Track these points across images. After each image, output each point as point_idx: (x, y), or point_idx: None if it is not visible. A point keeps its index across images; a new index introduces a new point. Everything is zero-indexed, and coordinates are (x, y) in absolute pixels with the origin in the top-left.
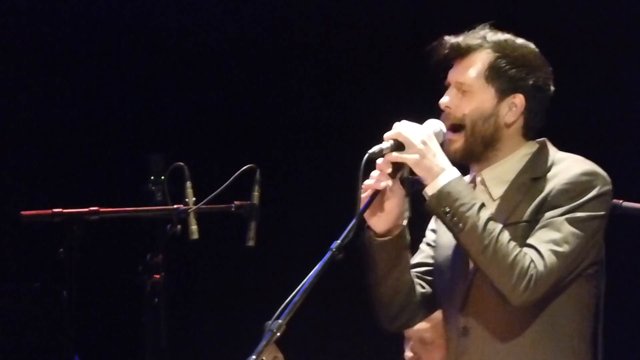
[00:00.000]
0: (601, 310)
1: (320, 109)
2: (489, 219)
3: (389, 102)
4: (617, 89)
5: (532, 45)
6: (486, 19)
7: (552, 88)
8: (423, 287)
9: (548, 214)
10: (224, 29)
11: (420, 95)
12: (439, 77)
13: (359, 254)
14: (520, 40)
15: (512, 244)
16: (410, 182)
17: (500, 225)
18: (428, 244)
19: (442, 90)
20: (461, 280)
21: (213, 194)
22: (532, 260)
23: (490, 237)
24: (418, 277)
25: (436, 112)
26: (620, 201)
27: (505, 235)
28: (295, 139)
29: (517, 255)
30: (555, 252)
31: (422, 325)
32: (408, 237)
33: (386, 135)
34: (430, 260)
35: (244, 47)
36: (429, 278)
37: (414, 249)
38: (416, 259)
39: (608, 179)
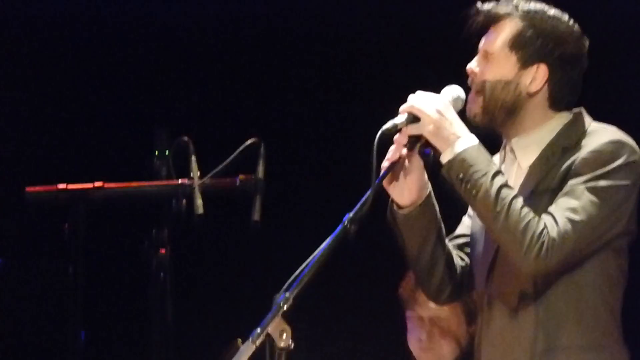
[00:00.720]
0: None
1: (328, 80)
2: (502, 186)
3: (404, 72)
4: None
5: (565, 17)
6: None
7: (585, 62)
8: (462, 260)
9: (571, 182)
10: (229, 1)
11: (437, 67)
12: (471, 44)
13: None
14: (553, 11)
15: (526, 210)
16: (422, 154)
17: (514, 192)
18: (469, 215)
19: (466, 59)
20: (489, 250)
21: (217, 168)
22: (545, 227)
23: (503, 203)
24: (458, 248)
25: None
26: None
27: (519, 202)
28: (302, 112)
29: (530, 221)
30: (571, 220)
31: (434, 305)
32: (435, 207)
33: (401, 108)
34: (469, 232)
35: (250, 19)
36: (468, 250)
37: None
38: (457, 231)
39: (637, 149)
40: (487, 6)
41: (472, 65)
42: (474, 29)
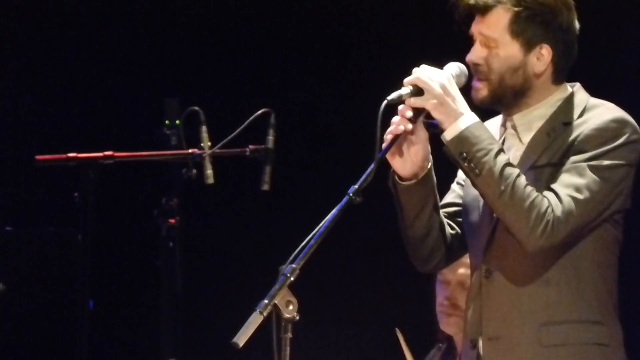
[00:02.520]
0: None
1: (337, 51)
2: (506, 164)
3: (410, 46)
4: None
5: None
6: None
7: (577, 25)
8: (453, 229)
9: (573, 159)
10: None
11: (442, 43)
12: (461, 32)
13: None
14: None
15: (529, 188)
16: (428, 125)
17: (517, 170)
18: (458, 183)
19: (463, 36)
20: (486, 222)
21: (228, 138)
22: (549, 205)
23: (507, 182)
24: (448, 217)
25: (456, 58)
26: None
27: (522, 180)
28: (311, 83)
29: (534, 199)
30: (574, 198)
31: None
32: (434, 179)
33: (405, 80)
34: (459, 200)
35: None
36: (459, 219)
37: (440, 191)
38: (447, 199)
39: (637, 127)
40: None
41: (473, 57)
42: (461, 19)
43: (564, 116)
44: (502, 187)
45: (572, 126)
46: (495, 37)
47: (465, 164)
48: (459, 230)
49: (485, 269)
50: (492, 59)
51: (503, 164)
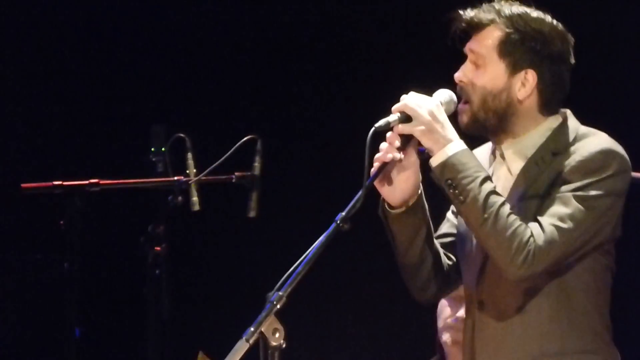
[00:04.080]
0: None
1: (323, 79)
2: (490, 192)
3: (396, 73)
4: None
5: (548, 18)
6: None
7: (572, 59)
8: (449, 258)
9: (559, 189)
10: (227, 2)
11: (430, 70)
12: (456, 50)
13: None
14: (535, 13)
15: (513, 217)
16: (418, 152)
17: (502, 199)
18: (453, 212)
19: (457, 60)
20: (478, 252)
21: (214, 165)
22: (532, 234)
23: (490, 210)
24: (443, 247)
25: (447, 85)
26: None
27: (506, 209)
28: (297, 110)
29: (516, 228)
30: (558, 228)
31: None
32: (425, 205)
33: (394, 107)
34: (454, 230)
35: (247, 18)
36: (454, 249)
37: (434, 217)
38: (442, 229)
39: (626, 158)
40: (469, 13)
41: (460, 75)
42: (457, 36)
43: (553, 146)
44: (485, 215)
45: (561, 156)
46: (483, 53)
47: (451, 191)
48: (455, 261)
49: (478, 300)
50: (477, 78)
51: (487, 192)
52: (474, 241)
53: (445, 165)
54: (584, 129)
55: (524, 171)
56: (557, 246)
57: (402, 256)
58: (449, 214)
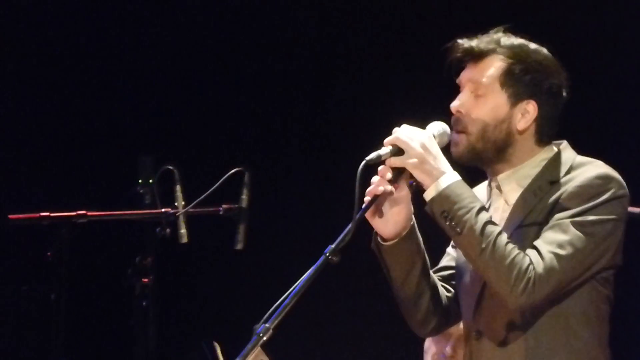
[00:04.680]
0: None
1: (313, 111)
2: (487, 222)
3: (387, 105)
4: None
5: (545, 50)
6: (495, 21)
7: (566, 93)
8: (448, 291)
9: (557, 216)
10: (214, 32)
11: (423, 101)
12: (450, 79)
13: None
14: (533, 46)
15: (510, 246)
16: (410, 184)
17: (498, 228)
18: (453, 247)
19: (451, 92)
20: (475, 283)
21: (201, 197)
22: (530, 262)
23: (488, 240)
24: (443, 281)
25: (440, 116)
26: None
27: (504, 238)
28: (286, 142)
29: (515, 257)
30: (557, 255)
31: None
32: (418, 237)
33: (386, 140)
34: (453, 263)
35: (234, 50)
36: (454, 282)
37: (430, 250)
38: (442, 262)
39: (623, 183)
40: (468, 42)
41: (458, 105)
42: (454, 65)
43: (550, 175)
44: (483, 245)
45: (559, 184)
46: (485, 83)
47: (447, 223)
48: (454, 293)
49: (475, 330)
50: (476, 108)
51: (484, 222)
52: (471, 272)
53: (440, 197)
54: (580, 158)
55: (521, 201)
56: (557, 273)
57: (398, 290)
58: (449, 248)
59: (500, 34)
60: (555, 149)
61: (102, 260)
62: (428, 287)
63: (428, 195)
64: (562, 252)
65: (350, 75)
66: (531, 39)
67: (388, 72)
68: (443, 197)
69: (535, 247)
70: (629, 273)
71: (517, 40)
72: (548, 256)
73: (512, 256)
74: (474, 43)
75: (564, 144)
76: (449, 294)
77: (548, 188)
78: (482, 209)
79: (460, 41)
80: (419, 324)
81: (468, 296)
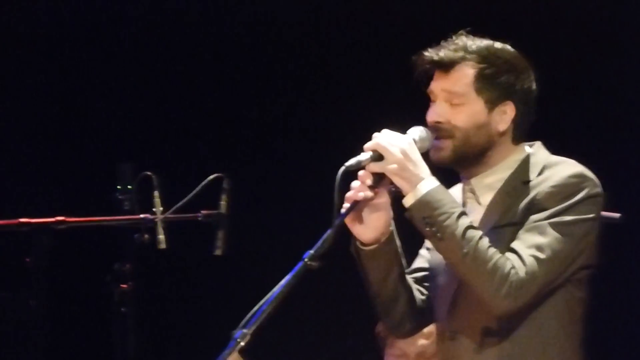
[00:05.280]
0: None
1: (293, 116)
2: (468, 227)
3: (367, 110)
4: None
5: (510, 48)
6: (461, 21)
7: (536, 88)
8: (422, 294)
9: (534, 217)
10: (193, 39)
11: (403, 108)
12: (421, 90)
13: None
14: (498, 45)
15: (492, 250)
16: (390, 190)
17: (480, 232)
18: (427, 248)
19: (426, 99)
20: (450, 284)
21: (180, 203)
22: (513, 266)
23: (470, 244)
24: (417, 282)
25: (421, 121)
26: None
27: (485, 242)
28: (266, 148)
29: (497, 261)
30: (537, 258)
31: (422, 341)
32: (397, 242)
33: (365, 146)
34: (427, 265)
35: (213, 56)
36: (427, 284)
37: (408, 253)
38: (415, 264)
39: (597, 182)
40: (436, 53)
41: (435, 116)
42: (422, 76)
43: (523, 175)
44: (465, 250)
45: (533, 184)
46: (460, 92)
47: (428, 228)
48: (428, 295)
49: (450, 331)
50: (456, 116)
51: (465, 226)
52: (445, 273)
53: (420, 202)
54: (553, 157)
55: (495, 202)
56: (539, 277)
57: (375, 293)
58: (422, 250)
59: (464, 39)
60: (528, 149)
61: (81, 266)
62: (404, 291)
63: (408, 202)
64: (542, 255)
65: (330, 81)
66: (493, 38)
67: (368, 77)
68: (423, 203)
69: (515, 251)
70: (607, 277)
71: (483, 42)
72: (529, 260)
73: (493, 260)
74: (442, 53)
75: (537, 144)
76: (422, 297)
77: (522, 188)
78: (463, 214)
79: (427, 53)
80: (395, 326)
81: (442, 297)
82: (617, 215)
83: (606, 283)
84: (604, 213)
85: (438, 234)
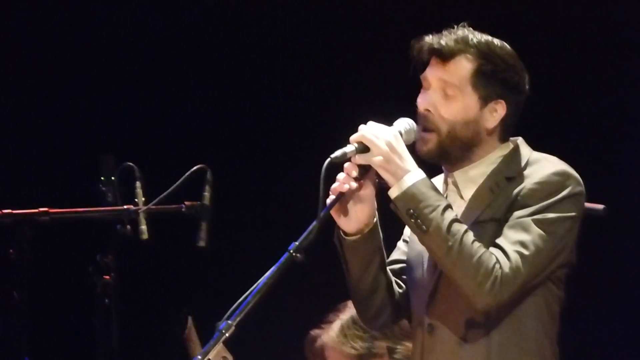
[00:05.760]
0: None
1: (277, 107)
2: (453, 220)
3: (352, 102)
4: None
5: (509, 47)
6: (457, 17)
7: (527, 88)
8: (400, 287)
9: (517, 213)
10: (175, 30)
11: (388, 98)
12: (414, 76)
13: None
14: (497, 42)
15: (477, 244)
16: (376, 181)
17: (465, 227)
18: (404, 240)
19: (417, 89)
20: (429, 277)
21: (163, 195)
22: (497, 261)
23: (455, 238)
24: (394, 275)
25: (406, 112)
26: None
27: (470, 236)
28: (249, 139)
29: (481, 255)
30: (521, 254)
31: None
32: (380, 234)
33: (351, 138)
34: (404, 257)
35: (194, 48)
36: (404, 277)
37: (387, 247)
38: (393, 256)
39: (580, 180)
40: (436, 41)
41: (426, 103)
42: (420, 63)
43: (506, 171)
44: (450, 243)
45: (515, 180)
46: (456, 84)
47: (412, 221)
48: (405, 288)
49: (428, 324)
50: (447, 108)
51: (450, 220)
52: (424, 266)
53: (406, 195)
54: (536, 154)
55: (477, 196)
56: (522, 273)
57: (355, 284)
58: (400, 243)
59: (466, 31)
60: (512, 145)
61: (64, 257)
62: (383, 283)
63: (393, 194)
64: (526, 251)
65: (314, 72)
66: (492, 34)
67: (353, 69)
68: (409, 195)
69: (499, 246)
70: (590, 269)
71: (484, 38)
72: (513, 256)
73: (478, 254)
74: (442, 42)
75: (520, 140)
76: (400, 290)
77: (504, 184)
78: (448, 207)
79: (427, 39)
80: (370, 318)
81: (420, 290)
82: (600, 206)
83: (589, 275)
84: (587, 204)
85: (423, 227)
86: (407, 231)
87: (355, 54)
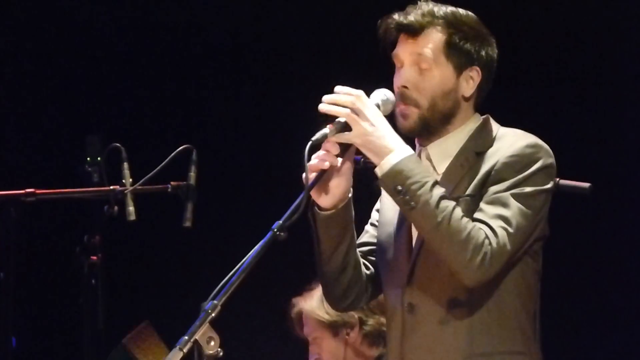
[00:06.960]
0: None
1: (260, 89)
2: (442, 196)
3: (331, 81)
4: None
5: (473, 15)
6: None
7: (497, 52)
8: (367, 268)
9: (494, 188)
10: (162, 8)
11: (366, 76)
12: (385, 55)
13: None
14: (462, 11)
15: (466, 219)
16: (355, 160)
17: (453, 203)
18: (372, 224)
19: (390, 68)
20: (404, 257)
21: (149, 175)
22: (486, 236)
23: (444, 213)
24: (362, 256)
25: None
26: (557, 179)
27: (459, 212)
28: (234, 119)
29: (471, 231)
30: (506, 229)
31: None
32: (352, 210)
33: (336, 111)
34: (374, 240)
35: (181, 27)
36: (372, 258)
37: (360, 227)
38: (361, 239)
39: (550, 151)
40: (405, 17)
41: (402, 81)
42: (387, 40)
43: (475, 146)
44: (439, 219)
45: (485, 155)
46: (429, 56)
47: (400, 197)
48: (373, 271)
49: (408, 304)
50: (425, 82)
51: (439, 196)
52: (398, 248)
53: (392, 172)
54: (503, 129)
55: (449, 171)
56: (508, 248)
57: (324, 262)
58: (368, 226)
59: (430, 4)
60: (480, 120)
61: (51, 238)
62: (352, 263)
63: (380, 172)
64: (509, 227)
65: (297, 53)
66: (455, 5)
67: (333, 49)
68: (396, 171)
69: (484, 222)
70: (575, 246)
71: (449, 9)
72: (500, 231)
73: (467, 230)
74: (410, 17)
75: (488, 116)
76: (367, 271)
77: (475, 159)
78: (436, 183)
79: (395, 16)
80: (337, 298)
81: (396, 271)
82: (586, 185)
83: (575, 252)
84: (573, 182)
85: (411, 203)
86: (375, 215)
87: (336, 35)
